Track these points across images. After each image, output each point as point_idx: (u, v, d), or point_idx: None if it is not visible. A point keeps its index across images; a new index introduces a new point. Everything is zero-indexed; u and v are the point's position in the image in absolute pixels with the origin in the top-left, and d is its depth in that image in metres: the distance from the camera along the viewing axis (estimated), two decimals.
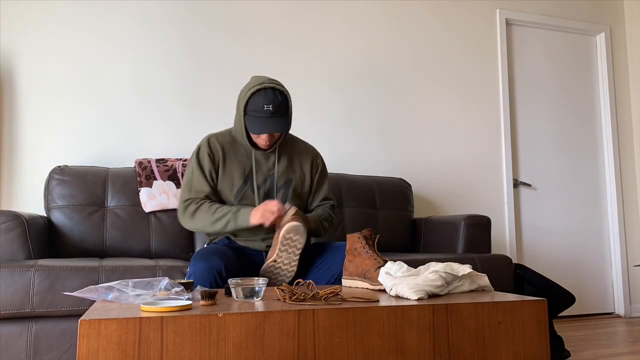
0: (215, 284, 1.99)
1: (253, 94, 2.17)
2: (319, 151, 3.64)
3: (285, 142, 2.40)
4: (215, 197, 2.30)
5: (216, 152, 2.31)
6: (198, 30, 3.51)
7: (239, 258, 2.19)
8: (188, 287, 1.66)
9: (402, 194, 3.52)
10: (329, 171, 3.67)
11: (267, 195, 2.30)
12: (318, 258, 2.26)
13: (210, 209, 2.20)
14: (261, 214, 2.11)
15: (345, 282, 1.94)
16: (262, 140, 2.23)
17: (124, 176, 3.01)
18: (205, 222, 2.20)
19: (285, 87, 3.63)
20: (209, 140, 2.33)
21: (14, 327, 2.18)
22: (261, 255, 2.30)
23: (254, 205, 2.26)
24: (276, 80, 2.23)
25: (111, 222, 2.90)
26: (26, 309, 2.15)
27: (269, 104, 2.14)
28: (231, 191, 2.29)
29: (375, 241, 1.93)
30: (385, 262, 1.83)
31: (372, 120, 3.84)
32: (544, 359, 1.48)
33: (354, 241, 1.92)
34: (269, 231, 2.25)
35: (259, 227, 2.20)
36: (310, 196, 2.44)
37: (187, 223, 2.25)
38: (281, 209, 2.10)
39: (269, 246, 2.27)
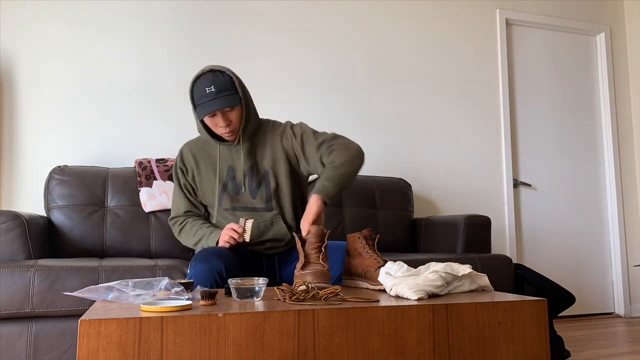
0: (215, 284, 1.98)
1: (194, 83, 2.11)
2: None
3: (256, 131, 2.26)
4: (197, 209, 2.33)
5: (188, 163, 2.29)
6: (199, 29, 3.50)
7: (240, 259, 2.19)
8: (188, 287, 1.66)
9: (402, 194, 3.52)
10: None
11: (252, 194, 2.23)
12: None
13: (191, 230, 2.26)
14: (222, 239, 2.12)
15: (345, 282, 1.94)
16: (220, 128, 2.13)
17: (124, 176, 3.00)
18: (188, 243, 2.29)
19: (292, 86, 3.66)
20: (181, 153, 2.32)
21: (14, 327, 2.18)
22: (260, 257, 2.29)
23: (241, 208, 2.25)
24: (218, 65, 2.13)
25: (111, 222, 2.90)
26: (26, 309, 2.15)
27: (209, 85, 2.05)
28: (213, 197, 2.27)
29: (376, 241, 1.92)
30: (386, 262, 1.82)
31: (371, 120, 3.84)
32: (544, 359, 1.48)
33: (354, 241, 1.92)
34: (271, 241, 2.25)
35: (263, 234, 2.22)
36: (307, 164, 2.23)
37: (178, 239, 2.34)
38: (239, 227, 2.08)
39: (267, 248, 2.26)
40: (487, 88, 4.19)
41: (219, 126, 2.12)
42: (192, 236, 2.24)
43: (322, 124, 3.70)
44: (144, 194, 2.95)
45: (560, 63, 4.50)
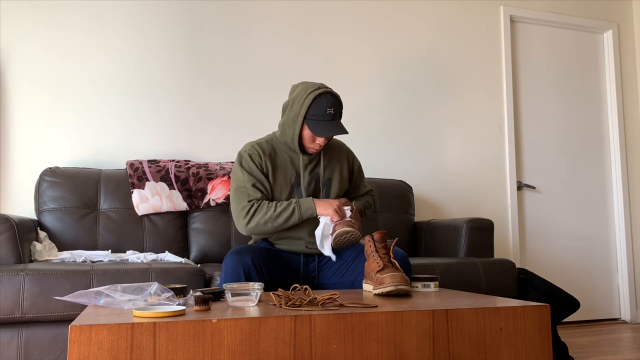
0: (245, 278, 2.02)
1: (315, 98, 2.18)
2: None
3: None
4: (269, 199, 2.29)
5: (265, 162, 2.27)
6: (191, 30, 3.47)
7: (276, 258, 2.20)
8: (179, 292, 1.63)
9: (403, 197, 3.48)
10: None
11: (314, 196, 2.32)
12: (339, 260, 2.26)
13: (270, 205, 2.19)
14: (334, 210, 2.17)
15: (364, 285, 1.95)
16: (316, 145, 2.24)
17: (116, 178, 2.97)
18: (266, 217, 2.17)
19: (283, 87, 3.63)
20: (255, 152, 2.28)
21: (4, 333, 2.14)
22: (299, 257, 2.28)
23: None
24: (329, 87, 2.30)
25: (104, 224, 2.87)
26: (16, 314, 2.12)
27: (331, 107, 2.18)
28: (280, 197, 2.28)
29: (387, 244, 1.91)
30: (393, 264, 1.82)
31: (372, 120, 3.81)
32: None
33: (365, 244, 1.95)
34: (312, 237, 2.26)
35: (304, 231, 2.26)
36: (352, 190, 2.48)
37: (246, 224, 2.21)
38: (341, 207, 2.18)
39: (308, 247, 2.28)
40: (490, 87, 4.13)
41: (317, 143, 2.24)
42: (273, 209, 2.18)
43: None
44: (136, 195, 2.91)
45: (566, 61, 4.42)
